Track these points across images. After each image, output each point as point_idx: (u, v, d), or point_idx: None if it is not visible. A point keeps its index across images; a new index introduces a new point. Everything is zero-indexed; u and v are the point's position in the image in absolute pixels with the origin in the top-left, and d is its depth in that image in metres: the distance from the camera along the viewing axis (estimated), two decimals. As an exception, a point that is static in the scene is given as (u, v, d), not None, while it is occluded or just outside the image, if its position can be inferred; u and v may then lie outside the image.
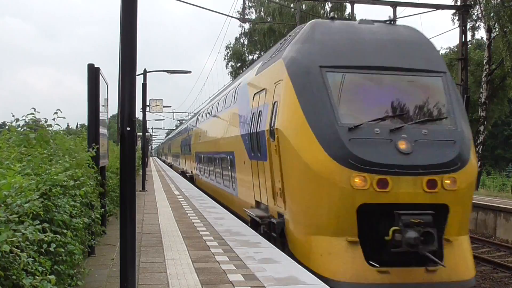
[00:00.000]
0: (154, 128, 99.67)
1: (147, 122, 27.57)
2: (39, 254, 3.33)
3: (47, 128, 6.69)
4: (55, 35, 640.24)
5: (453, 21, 28.63)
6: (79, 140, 8.04)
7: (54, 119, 6.88)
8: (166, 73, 21.05)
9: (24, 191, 3.56)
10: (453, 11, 27.57)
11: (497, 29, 25.98)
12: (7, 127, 6.68)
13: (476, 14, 28.21)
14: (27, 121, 6.48)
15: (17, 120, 6.48)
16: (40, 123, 6.76)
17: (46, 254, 3.52)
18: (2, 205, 3.27)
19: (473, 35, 30.72)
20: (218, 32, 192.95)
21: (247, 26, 55.65)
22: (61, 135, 7.14)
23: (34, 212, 3.47)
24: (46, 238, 3.38)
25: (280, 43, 11.17)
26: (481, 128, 26.79)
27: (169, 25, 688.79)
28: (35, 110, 6.50)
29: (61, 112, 6.92)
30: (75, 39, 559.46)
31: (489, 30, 26.79)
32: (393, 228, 6.93)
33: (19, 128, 6.51)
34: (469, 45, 29.33)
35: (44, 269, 3.27)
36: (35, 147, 5.85)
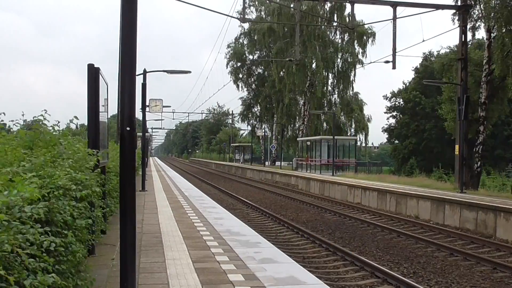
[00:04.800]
0: (154, 128, 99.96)
1: (147, 122, 27.54)
2: (41, 252, 3.33)
3: (51, 131, 6.67)
4: (52, 33, 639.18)
5: (453, 21, 28.61)
6: (77, 140, 8.00)
7: (58, 123, 6.86)
8: (166, 73, 21.03)
9: (27, 194, 3.55)
10: (453, 11, 27.57)
11: (495, 30, 26.00)
12: (7, 126, 6.66)
13: (476, 14, 28.21)
14: (30, 122, 6.46)
15: (25, 120, 6.48)
16: (41, 123, 6.73)
17: (47, 253, 3.51)
18: (4, 207, 3.27)
19: (473, 35, 30.70)
20: (219, 31, 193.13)
21: (246, 26, 55.73)
22: (68, 138, 7.12)
23: (36, 216, 3.46)
24: (46, 241, 3.37)
25: None
26: (481, 128, 26.80)
27: (170, 23, 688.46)
28: (45, 112, 6.48)
29: (77, 119, 6.91)
30: (73, 37, 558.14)
31: (489, 30, 26.79)
32: None
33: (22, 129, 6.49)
34: (470, 45, 29.30)
35: (46, 264, 3.26)
36: (39, 149, 5.83)
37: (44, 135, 6.17)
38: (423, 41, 31.91)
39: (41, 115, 6.45)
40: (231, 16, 26.13)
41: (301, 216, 19.41)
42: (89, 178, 5.83)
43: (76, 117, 6.92)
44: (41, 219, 3.62)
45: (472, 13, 27.81)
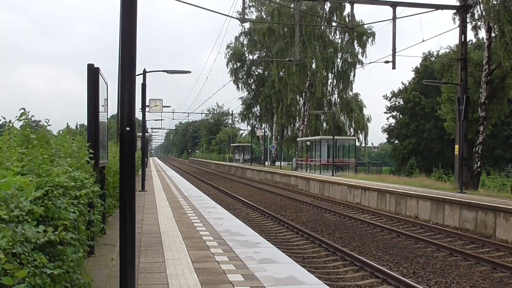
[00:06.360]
0: (154, 128, 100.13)
1: (147, 122, 27.55)
2: (39, 251, 3.32)
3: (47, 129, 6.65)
4: (51, 32, 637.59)
5: (454, 20, 28.60)
6: (78, 139, 8.00)
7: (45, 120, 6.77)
8: (165, 73, 21.02)
9: (23, 189, 3.54)
10: (454, 10, 27.58)
11: (496, 29, 26.00)
12: (6, 127, 6.63)
13: (477, 13, 28.23)
14: (27, 121, 6.42)
15: (18, 120, 6.43)
16: (40, 123, 6.72)
17: (45, 253, 3.51)
18: (2, 204, 3.26)
19: (475, 35, 30.70)
20: (219, 29, 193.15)
21: (247, 25, 55.77)
22: (63, 136, 7.11)
23: (33, 211, 3.46)
24: (47, 235, 3.37)
25: None
26: (481, 128, 26.79)
27: (170, 23, 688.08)
28: (24, 110, 6.41)
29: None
30: (73, 36, 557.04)
31: (489, 30, 26.80)
32: None
33: (20, 128, 6.46)
34: (469, 45, 29.30)
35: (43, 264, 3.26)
36: (36, 148, 5.83)
37: (42, 135, 6.15)
38: (423, 41, 31.96)
39: (23, 113, 6.36)
40: (231, 16, 26.15)
41: (300, 216, 19.41)
42: (88, 176, 5.82)
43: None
44: (39, 216, 3.62)
45: (474, 11, 27.86)
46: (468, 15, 26.32)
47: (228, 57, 59.67)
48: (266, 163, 59.93)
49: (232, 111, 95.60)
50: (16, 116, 6.36)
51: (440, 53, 41.25)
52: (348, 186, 25.77)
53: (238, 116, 71.17)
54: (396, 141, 65.09)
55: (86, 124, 7.88)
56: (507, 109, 31.94)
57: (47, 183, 4.15)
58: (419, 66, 61.31)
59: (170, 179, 27.94)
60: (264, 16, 53.53)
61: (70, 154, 6.50)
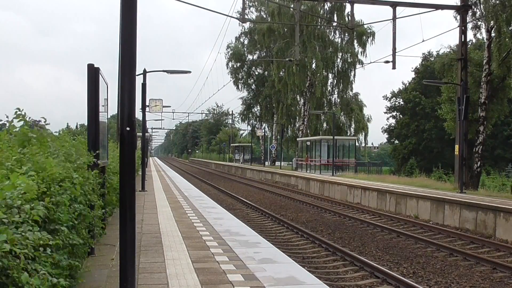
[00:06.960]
0: (154, 128, 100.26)
1: (147, 122, 27.55)
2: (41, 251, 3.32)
3: (46, 129, 6.65)
4: (51, 32, 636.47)
5: (455, 18, 28.57)
6: (79, 140, 7.99)
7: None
8: (165, 73, 21.01)
9: (26, 191, 3.54)
10: (454, 10, 27.57)
11: (494, 30, 26.04)
12: (7, 127, 6.62)
13: (478, 13, 28.23)
14: (27, 120, 6.42)
15: (21, 118, 6.41)
16: (40, 123, 6.72)
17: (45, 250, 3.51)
18: (3, 205, 3.26)
19: (475, 35, 30.68)
20: (219, 29, 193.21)
21: (247, 25, 55.80)
22: (62, 136, 7.11)
23: (35, 215, 3.46)
24: (47, 238, 3.37)
25: None
26: (481, 128, 26.79)
27: (170, 23, 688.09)
28: (21, 111, 6.37)
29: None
30: (73, 36, 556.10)
31: (489, 30, 26.81)
32: None
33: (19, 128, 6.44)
34: (470, 45, 29.30)
35: (45, 267, 3.26)
36: (35, 147, 5.83)
37: (41, 134, 6.15)
38: (423, 41, 31.91)
39: (19, 114, 6.30)
40: (231, 16, 26.17)
41: (300, 216, 19.41)
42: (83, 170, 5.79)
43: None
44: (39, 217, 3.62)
45: (475, 10, 27.87)
46: (468, 15, 26.32)
47: (228, 57, 59.75)
48: (266, 163, 59.93)
49: (232, 111, 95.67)
50: (12, 120, 6.30)
51: (440, 53, 41.23)
52: (348, 186, 25.77)
53: (238, 116, 71.30)
54: (396, 141, 65.09)
55: (86, 124, 7.88)
56: (507, 109, 31.97)
57: (44, 179, 4.14)
58: (419, 66, 61.32)
59: (170, 179, 27.95)
60: (264, 16, 53.55)
61: (69, 155, 6.50)
